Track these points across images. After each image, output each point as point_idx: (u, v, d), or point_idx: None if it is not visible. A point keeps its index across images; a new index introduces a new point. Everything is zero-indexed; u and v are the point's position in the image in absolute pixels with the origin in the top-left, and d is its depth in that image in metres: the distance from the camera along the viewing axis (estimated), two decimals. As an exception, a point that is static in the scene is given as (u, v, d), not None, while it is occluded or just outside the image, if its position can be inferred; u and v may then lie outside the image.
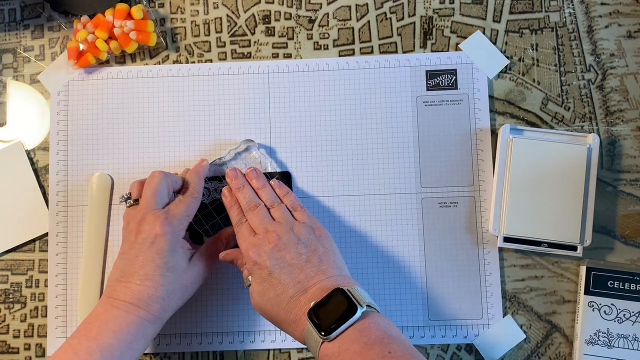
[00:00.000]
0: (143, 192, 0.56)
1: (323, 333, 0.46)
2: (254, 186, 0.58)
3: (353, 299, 0.47)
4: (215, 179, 0.62)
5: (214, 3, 0.65)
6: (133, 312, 0.51)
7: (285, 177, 0.62)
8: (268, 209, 0.56)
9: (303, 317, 0.48)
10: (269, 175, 0.62)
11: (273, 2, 0.65)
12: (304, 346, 0.61)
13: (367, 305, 0.47)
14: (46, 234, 0.63)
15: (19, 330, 0.62)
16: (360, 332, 0.46)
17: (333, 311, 0.47)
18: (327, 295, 0.48)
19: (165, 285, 0.53)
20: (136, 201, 0.57)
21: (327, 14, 0.65)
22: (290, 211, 0.57)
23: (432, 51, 0.64)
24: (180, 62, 0.65)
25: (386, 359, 0.44)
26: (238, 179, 0.58)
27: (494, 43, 0.64)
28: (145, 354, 0.61)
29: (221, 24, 0.65)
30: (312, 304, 0.48)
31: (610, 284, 0.59)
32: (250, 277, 0.53)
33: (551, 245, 0.59)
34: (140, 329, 0.51)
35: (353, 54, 0.64)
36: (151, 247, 0.53)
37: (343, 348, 0.45)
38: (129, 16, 0.63)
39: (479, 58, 0.64)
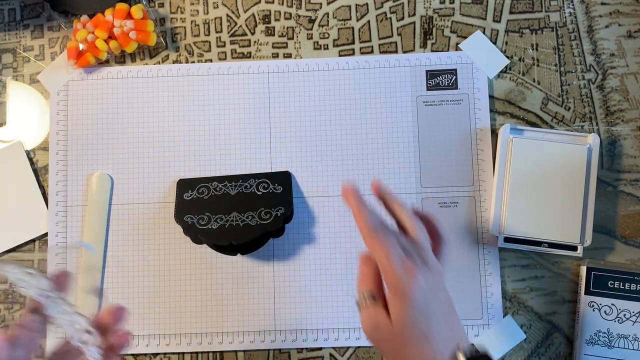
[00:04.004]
0: None
1: None
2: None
3: None
4: (216, 179, 0.62)
5: (214, 3, 0.65)
6: None
7: (285, 177, 0.62)
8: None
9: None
10: (267, 176, 0.62)
11: (273, 2, 0.65)
12: (304, 346, 0.61)
13: None
14: (46, 234, 0.62)
15: (18, 331, 0.62)
16: None
17: None
18: (481, 356, 0.43)
19: None
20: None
21: (327, 13, 0.65)
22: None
23: (432, 51, 0.64)
24: (180, 62, 0.65)
25: None
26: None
27: (494, 43, 0.64)
28: (145, 354, 0.61)
29: (221, 23, 0.65)
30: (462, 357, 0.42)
31: (611, 284, 0.59)
32: (389, 304, 0.44)
33: (551, 245, 0.59)
34: None
35: (353, 53, 0.64)
36: None
37: None
38: (129, 16, 0.63)
39: (479, 58, 0.64)
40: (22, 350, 0.40)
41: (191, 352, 0.61)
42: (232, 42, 0.65)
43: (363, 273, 0.47)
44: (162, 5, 0.66)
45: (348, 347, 0.61)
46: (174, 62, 0.65)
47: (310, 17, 0.65)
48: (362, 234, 0.46)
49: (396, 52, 0.64)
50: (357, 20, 0.65)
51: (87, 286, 0.61)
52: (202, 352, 0.61)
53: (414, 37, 0.65)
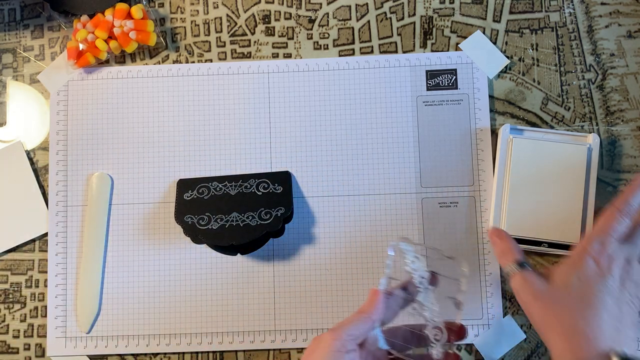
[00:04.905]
0: None
1: None
2: None
3: None
4: (216, 179, 0.62)
5: (214, 3, 0.65)
6: None
7: (285, 177, 0.62)
8: None
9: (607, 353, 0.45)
10: (267, 176, 0.62)
11: (273, 2, 0.65)
12: (304, 346, 0.61)
13: None
14: (46, 234, 0.63)
15: (18, 331, 0.62)
16: None
17: None
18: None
19: None
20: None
21: (327, 13, 0.65)
22: None
23: (432, 51, 0.64)
24: (180, 62, 0.65)
25: None
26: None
27: (494, 43, 0.64)
28: (145, 354, 0.61)
29: (221, 23, 0.65)
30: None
31: (611, 284, 0.58)
32: (557, 268, 0.50)
33: (551, 245, 0.59)
34: None
35: (353, 53, 0.64)
36: None
37: None
38: (129, 16, 0.63)
39: (479, 58, 0.64)
40: (384, 311, 0.49)
41: (191, 352, 0.61)
42: (232, 42, 0.65)
43: (502, 247, 0.55)
44: (162, 5, 0.66)
45: (348, 347, 0.61)
46: (174, 62, 0.65)
47: (310, 17, 0.65)
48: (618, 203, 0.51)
49: (396, 52, 0.64)
50: (357, 20, 0.65)
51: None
52: (202, 352, 0.61)
53: (414, 37, 0.65)
